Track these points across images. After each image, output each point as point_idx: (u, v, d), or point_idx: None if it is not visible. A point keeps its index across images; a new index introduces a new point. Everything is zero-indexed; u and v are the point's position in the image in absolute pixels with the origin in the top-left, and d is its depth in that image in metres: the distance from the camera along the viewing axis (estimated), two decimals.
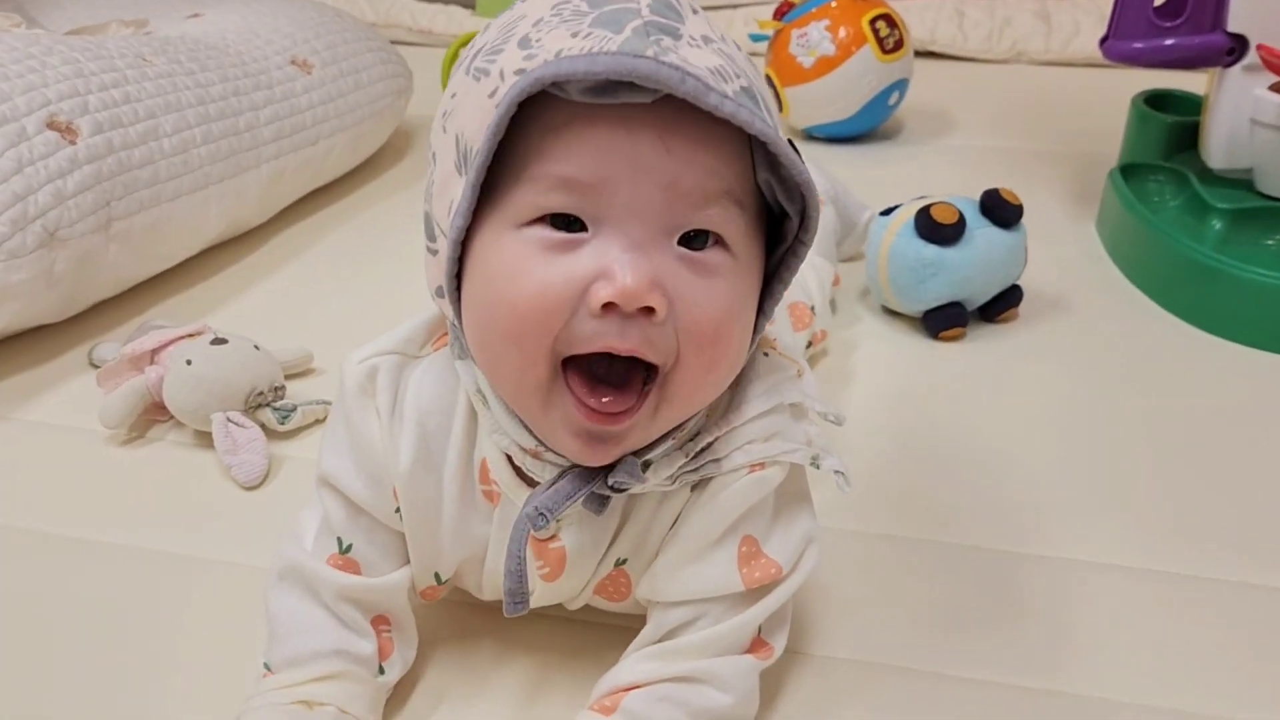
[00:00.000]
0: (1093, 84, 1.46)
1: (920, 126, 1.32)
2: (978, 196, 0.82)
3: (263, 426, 0.69)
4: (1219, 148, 0.93)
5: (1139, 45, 0.91)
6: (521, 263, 0.38)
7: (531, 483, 0.44)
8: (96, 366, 0.79)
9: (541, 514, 0.42)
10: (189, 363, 0.69)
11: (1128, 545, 0.60)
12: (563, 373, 0.39)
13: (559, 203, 0.38)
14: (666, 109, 0.36)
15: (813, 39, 1.19)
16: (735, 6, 1.75)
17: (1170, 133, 1.04)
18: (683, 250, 0.39)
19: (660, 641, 0.45)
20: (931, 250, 0.79)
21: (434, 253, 0.42)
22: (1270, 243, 0.87)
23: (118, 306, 0.86)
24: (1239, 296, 0.82)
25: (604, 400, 0.39)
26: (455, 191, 0.39)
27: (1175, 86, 1.11)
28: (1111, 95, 1.19)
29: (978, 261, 0.80)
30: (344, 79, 1.09)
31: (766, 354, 0.46)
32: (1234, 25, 0.88)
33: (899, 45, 1.20)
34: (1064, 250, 0.96)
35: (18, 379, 0.78)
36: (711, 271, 0.39)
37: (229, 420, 0.67)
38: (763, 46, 1.28)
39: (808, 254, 0.42)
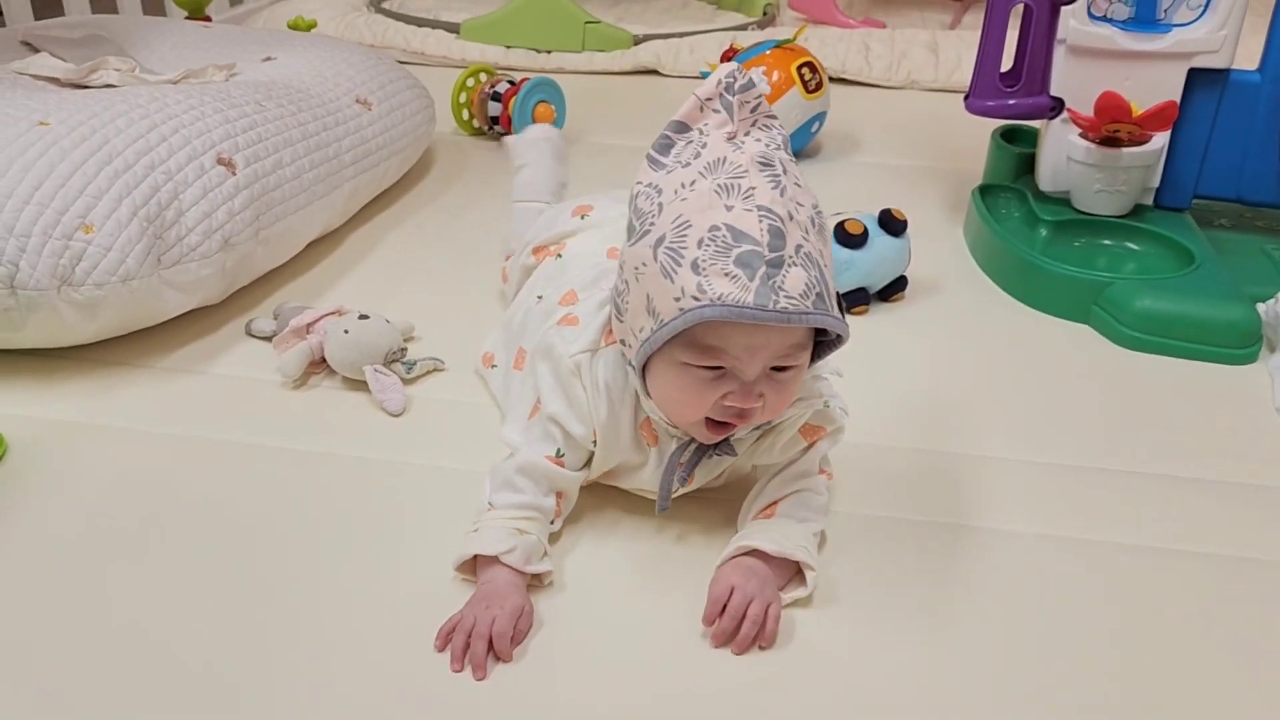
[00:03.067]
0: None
1: (836, 147, 1.67)
2: (876, 213, 1.17)
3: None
4: (1046, 175, 1.30)
5: (990, 103, 1.26)
6: (688, 383, 0.69)
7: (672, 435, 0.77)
8: (254, 335, 1.09)
9: (681, 478, 0.77)
10: (346, 331, 1.00)
11: (993, 441, 0.95)
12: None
13: (710, 362, 0.68)
14: None
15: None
16: (682, 35, 2.08)
17: (1018, 160, 1.41)
18: (773, 372, 0.69)
19: (773, 480, 0.79)
20: (845, 252, 1.13)
21: (618, 319, 0.73)
22: (1078, 244, 1.24)
23: (254, 289, 1.16)
24: (1053, 284, 1.17)
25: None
26: (643, 324, 0.68)
27: (1023, 124, 1.47)
28: (979, 122, 1.54)
29: (876, 260, 1.15)
30: (394, 113, 1.39)
31: None
32: (1055, 90, 1.24)
33: (819, 86, 1.55)
34: (939, 248, 1.32)
35: (196, 344, 1.08)
36: (787, 381, 0.71)
37: (376, 370, 0.99)
38: None
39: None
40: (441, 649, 0.71)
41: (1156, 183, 1.27)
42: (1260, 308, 1.11)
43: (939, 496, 0.88)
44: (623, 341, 0.74)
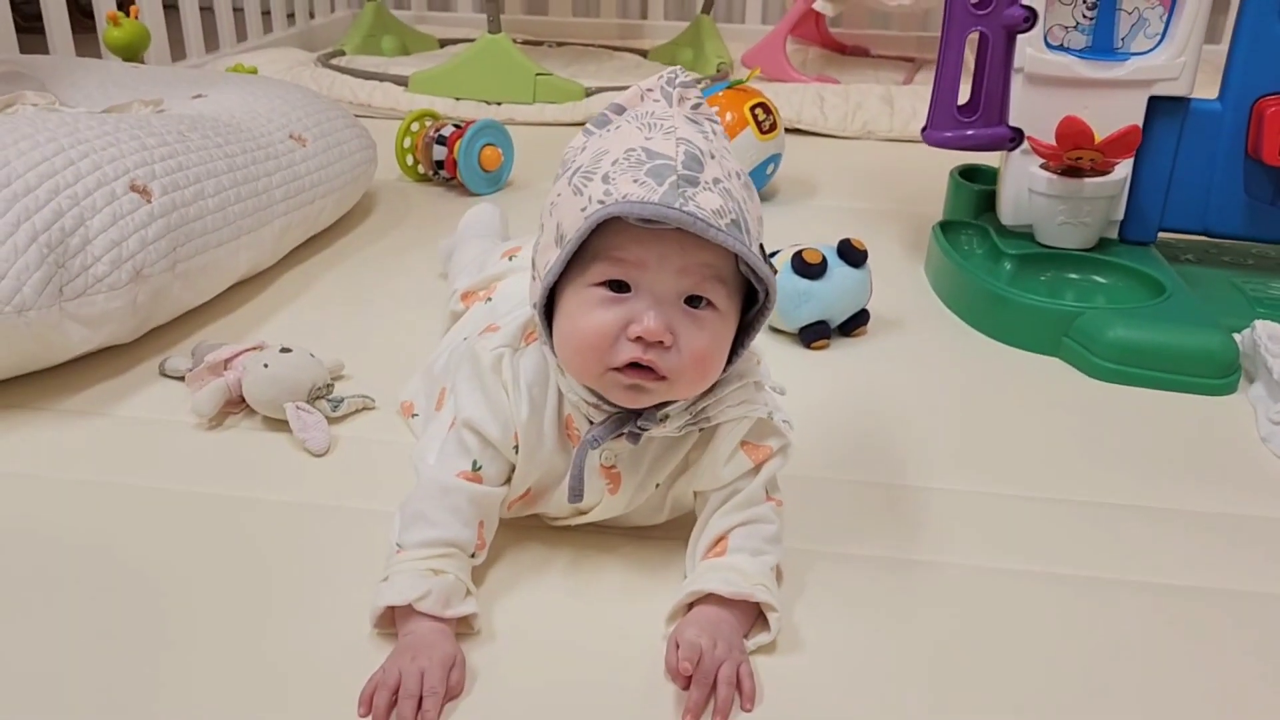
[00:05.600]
0: (924, 158, 1.78)
1: (792, 191, 1.63)
2: (835, 244, 1.11)
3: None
4: (1008, 209, 1.26)
5: (948, 134, 1.23)
6: (591, 308, 0.63)
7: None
8: (168, 375, 1.00)
9: (595, 439, 0.68)
10: (265, 366, 0.92)
11: (962, 475, 0.89)
12: (610, 371, 0.64)
13: (615, 274, 0.62)
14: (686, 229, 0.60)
15: None
16: None
17: (977, 198, 1.37)
18: (686, 308, 0.63)
19: (718, 510, 0.70)
20: (804, 283, 1.08)
21: (535, 280, 0.67)
22: (1044, 278, 1.20)
23: (172, 329, 1.08)
24: (1021, 316, 1.12)
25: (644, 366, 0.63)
26: (551, 256, 0.64)
27: (981, 162, 1.45)
28: (936, 167, 1.51)
29: (836, 291, 1.09)
30: (330, 151, 1.33)
31: None
32: (1014, 121, 1.21)
33: (773, 127, 1.51)
34: (900, 285, 1.27)
35: (103, 386, 0.99)
36: (702, 322, 0.63)
37: (298, 408, 0.90)
38: None
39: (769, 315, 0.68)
40: (365, 715, 0.62)
41: (1120, 215, 1.23)
42: (1237, 338, 1.06)
43: (907, 532, 0.81)
44: (534, 305, 0.67)
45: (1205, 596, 0.75)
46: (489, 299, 0.91)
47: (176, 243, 1.03)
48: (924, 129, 1.25)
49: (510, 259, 0.94)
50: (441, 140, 1.56)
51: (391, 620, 0.67)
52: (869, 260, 1.12)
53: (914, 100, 2.02)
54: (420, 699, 0.61)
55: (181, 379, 0.98)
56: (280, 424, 0.92)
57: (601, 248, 0.63)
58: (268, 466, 0.88)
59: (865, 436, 0.95)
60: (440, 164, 1.57)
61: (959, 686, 0.66)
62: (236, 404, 0.94)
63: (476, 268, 0.97)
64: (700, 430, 0.71)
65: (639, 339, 0.62)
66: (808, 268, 1.07)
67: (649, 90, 0.66)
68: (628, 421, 0.68)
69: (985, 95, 1.20)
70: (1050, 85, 1.19)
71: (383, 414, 0.96)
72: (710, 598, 0.67)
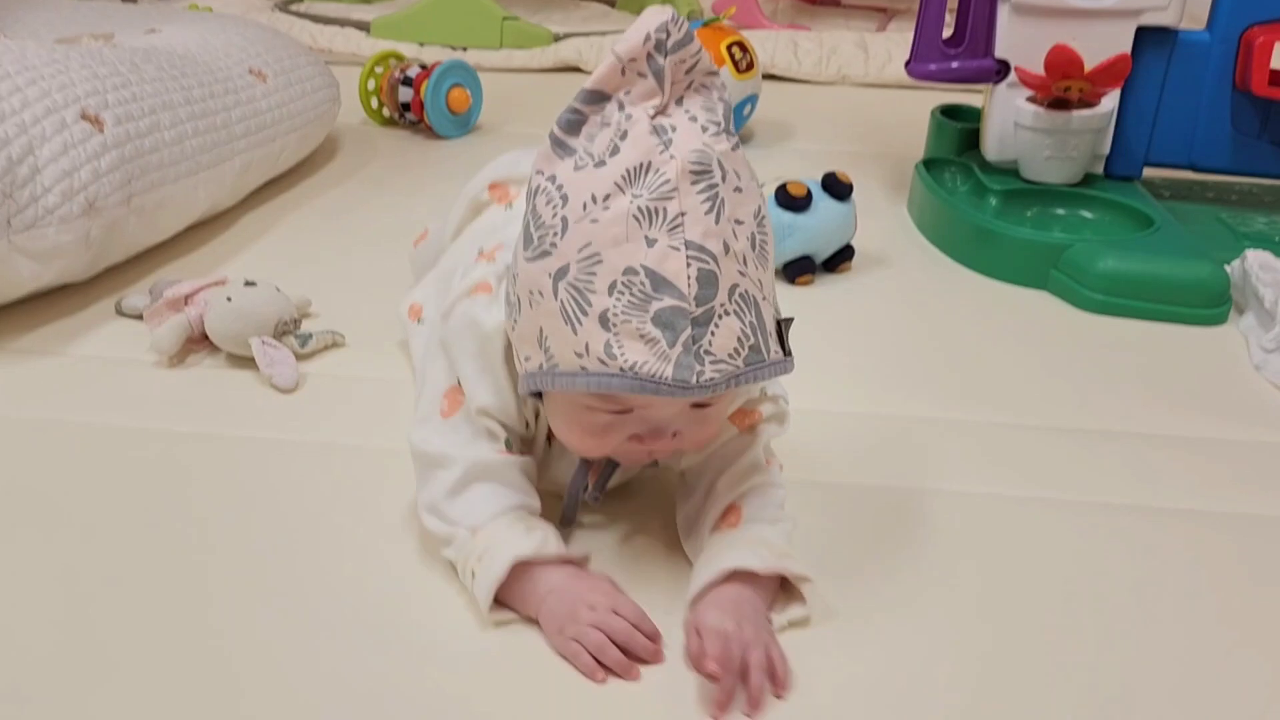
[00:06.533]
0: (901, 101, 1.77)
1: (769, 134, 1.60)
2: (820, 178, 1.08)
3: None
4: (993, 144, 1.23)
5: (933, 67, 1.19)
6: (592, 425, 0.58)
7: None
8: (125, 314, 0.96)
9: (595, 491, 0.65)
10: (229, 299, 0.87)
11: (953, 404, 0.87)
12: None
13: (614, 408, 0.57)
14: None
15: None
16: (604, 34, 2.00)
17: (960, 135, 1.34)
18: (693, 409, 0.57)
19: (720, 477, 0.65)
20: (788, 216, 1.04)
21: (509, 321, 0.60)
22: (1029, 213, 1.17)
23: (129, 269, 1.03)
24: (1006, 249, 1.10)
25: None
26: (530, 353, 0.57)
27: (962, 101, 1.42)
28: (914, 110, 1.49)
29: (821, 225, 1.06)
30: (292, 88, 1.28)
31: None
32: (1000, 52, 1.18)
33: (750, 66, 1.47)
34: (883, 224, 1.24)
35: (57, 325, 0.94)
36: (708, 417, 0.59)
37: (264, 342, 0.86)
38: None
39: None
40: (604, 679, 0.57)
41: (1107, 150, 1.21)
42: (1227, 268, 1.04)
43: (902, 461, 0.79)
44: (522, 393, 0.62)
45: (1214, 520, 0.74)
46: (509, 205, 0.81)
47: (131, 175, 0.98)
48: (908, 62, 1.21)
49: None
50: (407, 81, 1.50)
51: (505, 603, 0.60)
52: (854, 194, 1.08)
53: (888, 46, 1.98)
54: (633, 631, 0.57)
55: (140, 318, 0.93)
56: (245, 361, 0.87)
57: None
58: (233, 403, 0.84)
59: (857, 370, 0.92)
60: (406, 106, 1.52)
61: (972, 614, 0.64)
62: (198, 341, 0.90)
63: (510, 162, 0.84)
64: None
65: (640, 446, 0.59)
66: (792, 200, 1.04)
67: (631, 61, 0.54)
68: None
69: (971, 25, 1.17)
70: (1037, 15, 1.16)
71: (353, 350, 0.92)
72: (731, 576, 0.60)
